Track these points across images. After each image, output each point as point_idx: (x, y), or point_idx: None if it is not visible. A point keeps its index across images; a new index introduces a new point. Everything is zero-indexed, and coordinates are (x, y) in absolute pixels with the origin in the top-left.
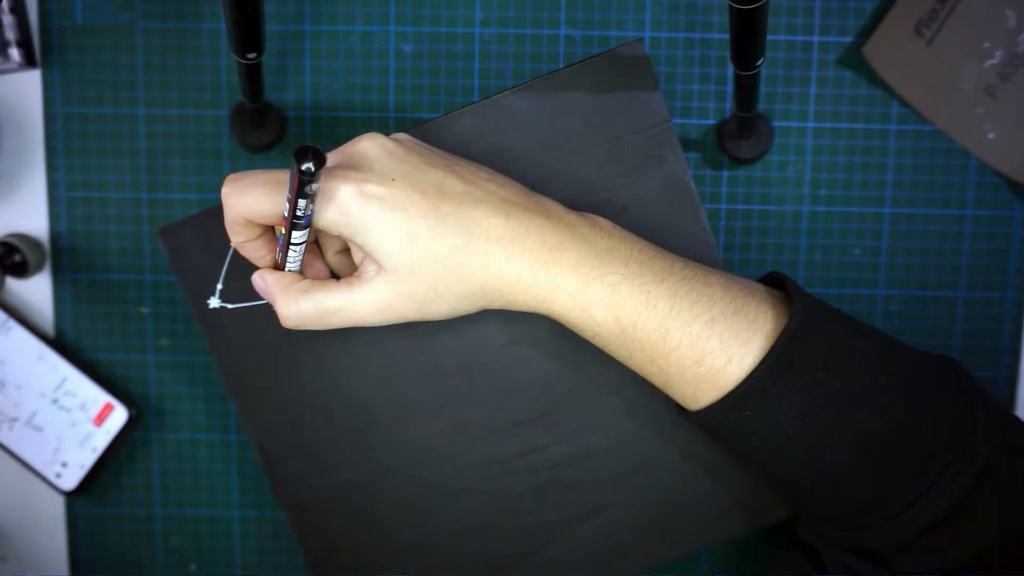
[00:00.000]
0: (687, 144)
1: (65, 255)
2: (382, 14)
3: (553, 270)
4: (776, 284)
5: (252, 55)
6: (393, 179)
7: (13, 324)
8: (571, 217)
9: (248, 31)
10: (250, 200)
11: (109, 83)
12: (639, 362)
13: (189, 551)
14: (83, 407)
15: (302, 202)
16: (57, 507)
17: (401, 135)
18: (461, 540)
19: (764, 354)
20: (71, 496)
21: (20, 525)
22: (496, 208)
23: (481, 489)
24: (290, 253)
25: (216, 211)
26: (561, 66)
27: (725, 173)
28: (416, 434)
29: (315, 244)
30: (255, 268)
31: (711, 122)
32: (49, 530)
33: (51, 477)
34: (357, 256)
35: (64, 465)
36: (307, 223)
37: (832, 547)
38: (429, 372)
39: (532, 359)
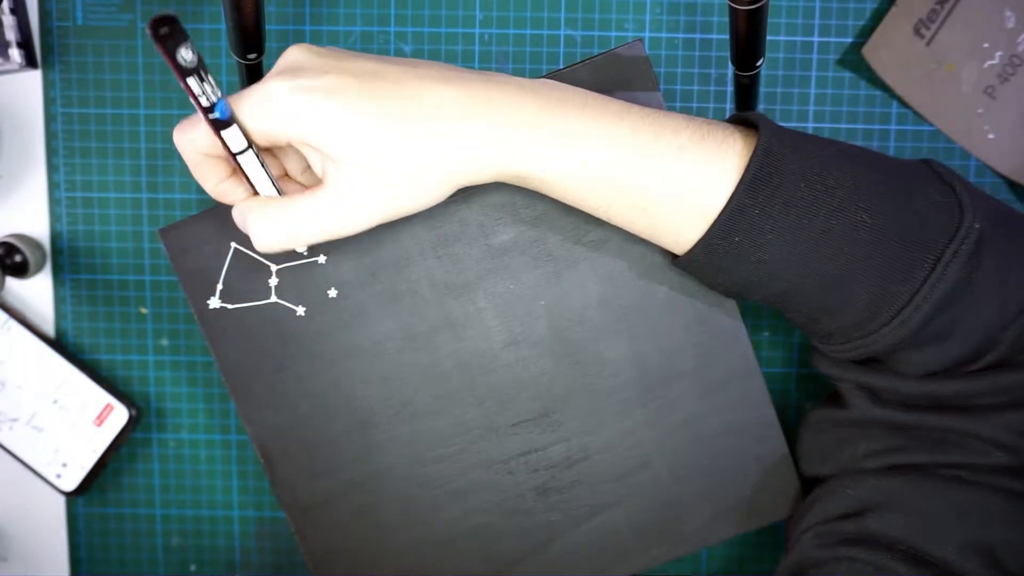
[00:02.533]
0: None
1: (65, 255)
2: (382, 14)
3: (511, 129)
4: (740, 123)
5: (252, 55)
6: (326, 72)
7: (13, 324)
8: (517, 79)
9: (248, 32)
10: (193, 132)
11: (109, 83)
12: (619, 209)
13: (189, 551)
14: (83, 407)
15: (194, 83)
16: (57, 507)
17: (330, 46)
18: (461, 540)
19: (740, 174)
20: (71, 496)
21: (20, 525)
22: (438, 82)
23: (481, 489)
24: (244, 167)
25: (216, 211)
26: (561, 66)
27: None
28: (416, 434)
29: (283, 168)
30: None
31: None
32: (49, 530)
33: (51, 477)
34: (315, 163)
35: (64, 465)
36: (225, 115)
37: (846, 370)
38: (429, 372)
39: (532, 359)
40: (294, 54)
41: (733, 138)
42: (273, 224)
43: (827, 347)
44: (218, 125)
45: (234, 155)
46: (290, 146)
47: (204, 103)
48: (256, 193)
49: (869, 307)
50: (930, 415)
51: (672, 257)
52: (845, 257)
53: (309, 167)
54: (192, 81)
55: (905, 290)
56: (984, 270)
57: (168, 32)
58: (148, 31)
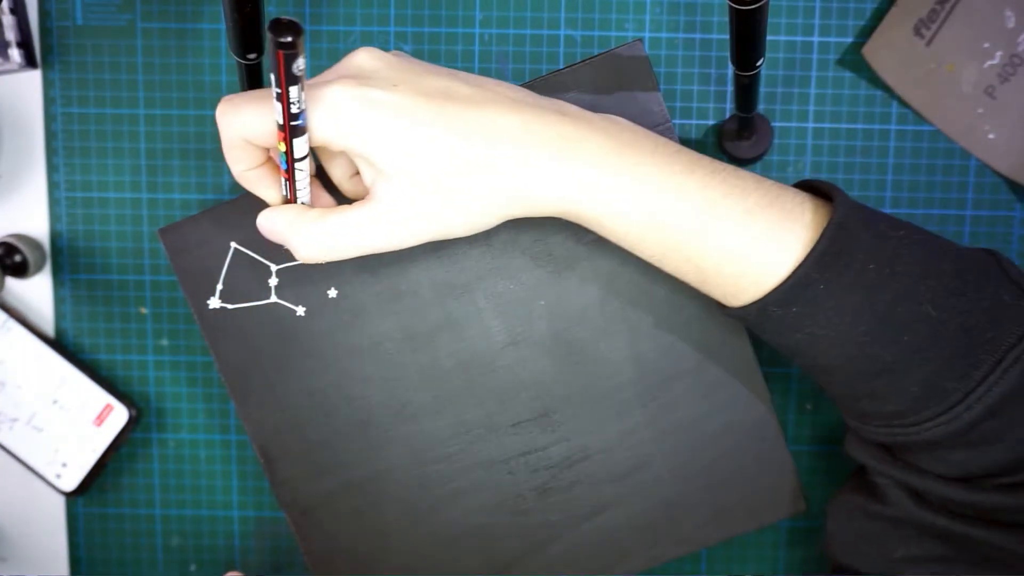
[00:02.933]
0: (687, 144)
1: (65, 255)
2: (382, 14)
3: (576, 165)
4: (808, 190)
5: (252, 55)
6: (396, 85)
7: (13, 324)
8: (588, 114)
9: (248, 31)
10: (246, 114)
11: (109, 83)
12: (673, 260)
13: (189, 551)
14: (83, 407)
15: (294, 90)
16: (57, 507)
17: (397, 51)
18: (461, 540)
19: (809, 246)
20: (71, 496)
21: (20, 525)
22: (508, 107)
23: (481, 489)
24: (297, 174)
25: (216, 211)
26: (561, 66)
27: None
28: (416, 434)
29: (317, 179)
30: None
31: (711, 122)
32: (49, 530)
33: (51, 477)
34: (367, 176)
35: (64, 465)
36: (303, 124)
37: (886, 465)
38: (429, 372)
39: (532, 359)
40: (364, 58)
41: (803, 208)
42: (319, 236)
43: (861, 426)
44: (294, 132)
45: (292, 160)
46: (341, 152)
47: (294, 110)
48: (290, 188)
49: (918, 399)
50: (977, 527)
51: (720, 304)
52: (903, 345)
53: (356, 174)
54: (294, 90)
55: (960, 387)
56: None
57: (291, 42)
58: (270, 34)
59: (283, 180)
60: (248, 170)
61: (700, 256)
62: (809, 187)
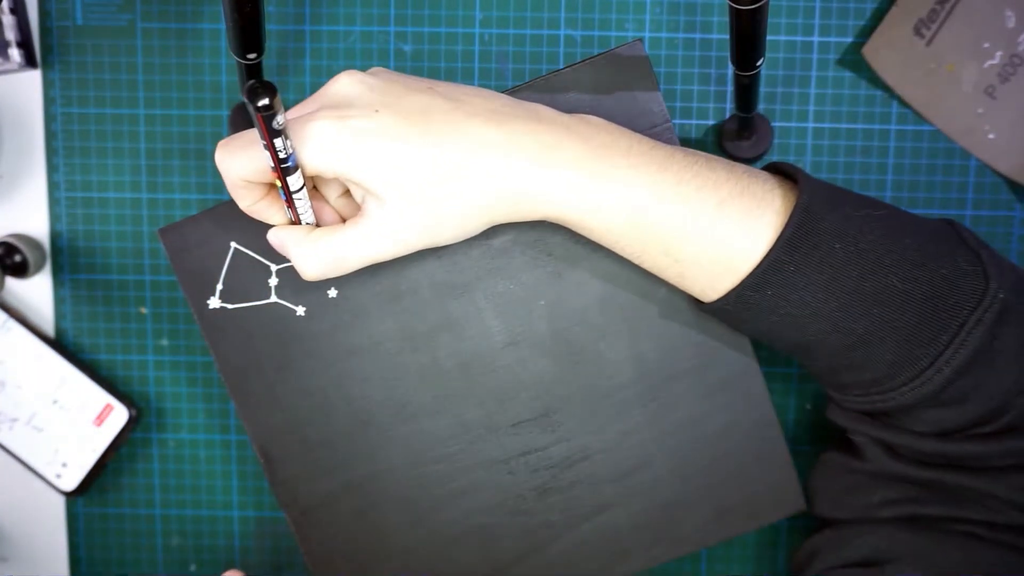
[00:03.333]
0: (687, 144)
1: (65, 255)
2: (382, 14)
3: (555, 171)
4: (776, 173)
5: (252, 55)
6: (377, 111)
7: (13, 324)
8: (563, 118)
9: (248, 31)
10: (241, 160)
11: (109, 83)
12: (652, 255)
13: (189, 551)
14: (83, 407)
15: (278, 141)
16: (57, 507)
17: (377, 69)
18: (461, 540)
19: (779, 231)
20: (71, 496)
21: (20, 525)
22: (486, 119)
23: (481, 489)
24: (296, 203)
25: (216, 211)
26: (561, 66)
27: None
28: (416, 434)
29: (318, 192)
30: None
31: (711, 122)
32: (49, 530)
33: (51, 477)
34: (357, 194)
35: (64, 465)
36: (294, 163)
37: (862, 424)
38: (429, 372)
39: (532, 359)
40: (344, 84)
41: (772, 194)
42: (319, 255)
43: (842, 397)
44: (286, 172)
45: (290, 192)
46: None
47: (282, 155)
48: (293, 213)
49: (892, 366)
50: (948, 472)
51: (697, 302)
52: (873, 317)
53: (346, 193)
54: (279, 140)
55: (928, 352)
56: (1006, 337)
57: (269, 105)
58: (246, 98)
59: (286, 208)
60: (254, 204)
61: (678, 249)
62: (776, 170)
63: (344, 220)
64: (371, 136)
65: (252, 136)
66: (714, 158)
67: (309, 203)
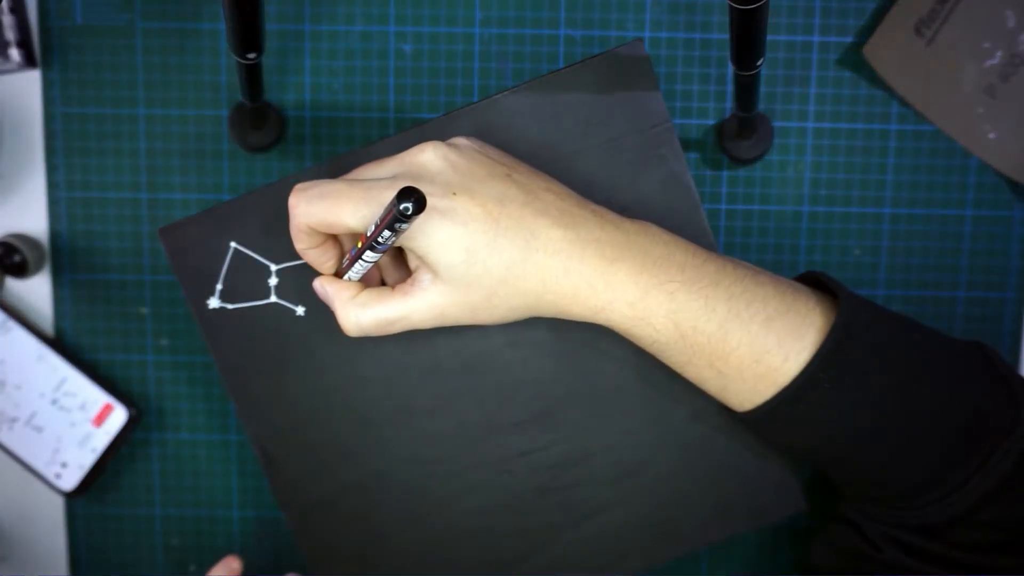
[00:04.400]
0: (687, 144)
1: (65, 255)
2: (382, 14)
3: (611, 281)
4: (813, 283)
5: (252, 55)
6: (455, 193)
7: (13, 324)
8: (626, 225)
9: (248, 31)
10: (317, 211)
11: (109, 83)
12: (697, 367)
13: (189, 551)
14: (83, 407)
15: (387, 233)
16: (57, 507)
17: (461, 141)
18: (461, 540)
19: (817, 348)
20: (71, 496)
21: (20, 525)
22: (555, 220)
23: (481, 489)
24: (357, 266)
25: (216, 211)
26: (561, 66)
27: (725, 173)
28: (416, 434)
29: None
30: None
31: (711, 122)
32: (49, 530)
33: (51, 477)
34: (412, 262)
35: (64, 465)
36: (383, 250)
37: (879, 524)
38: (429, 372)
39: (532, 359)
40: (429, 158)
41: (814, 312)
42: (366, 320)
43: (865, 520)
44: (373, 248)
45: (361, 258)
46: None
47: (381, 241)
48: (346, 269)
49: (919, 486)
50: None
51: (729, 411)
52: (902, 439)
53: (396, 256)
54: (387, 232)
55: (957, 476)
56: None
57: (415, 211)
58: (396, 196)
59: (344, 259)
60: (309, 249)
61: (723, 362)
62: (815, 280)
63: (381, 277)
64: (444, 218)
65: (332, 189)
66: (759, 271)
67: (366, 271)
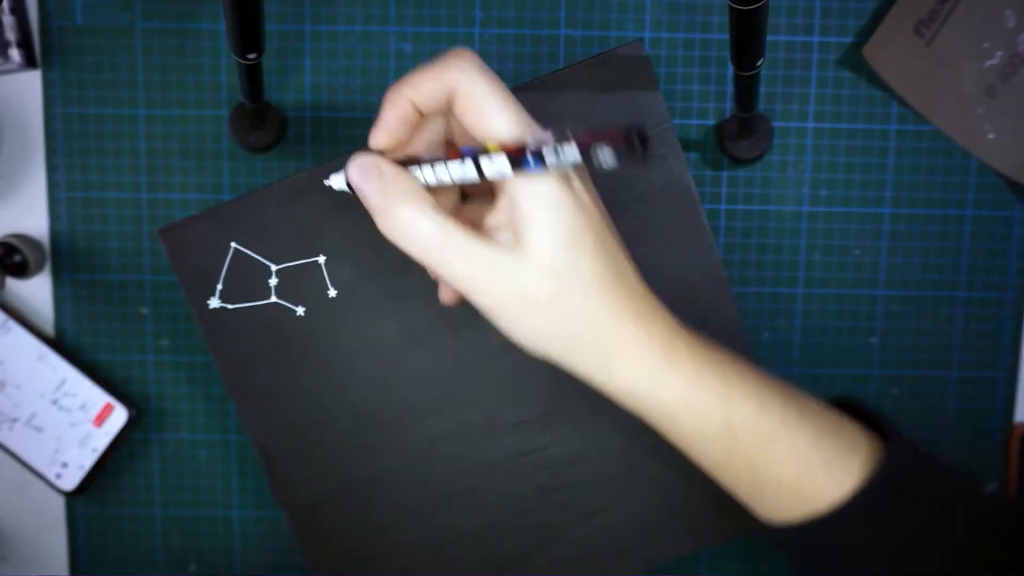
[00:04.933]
0: (687, 144)
1: (65, 255)
2: (382, 14)
3: (671, 354)
4: (848, 404)
5: (252, 55)
6: (588, 187)
7: (13, 324)
8: (684, 335)
9: (248, 31)
10: (482, 86)
11: (109, 83)
12: (736, 468)
13: (189, 551)
14: (83, 407)
15: (532, 161)
16: (57, 507)
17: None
18: (461, 540)
19: (860, 483)
20: (71, 496)
21: (20, 525)
22: (635, 271)
23: (481, 489)
24: (440, 172)
25: (216, 211)
26: (561, 66)
27: (725, 173)
28: (416, 434)
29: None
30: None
31: (711, 122)
32: (49, 530)
33: (51, 477)
34: (498, 216)
35: (64, 465)
36: (496, 175)
37: None
38: (429, 372)
39: (532, 359)
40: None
41: (861, 444)
42: (426, 227)
43: None
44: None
45: (460, 165)
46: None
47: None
48: (421, 171)
49: None
50: None
51: (752, 519)
52: None
53: (480, 199)
54: (533, 160)
55: None
56: None
57: (640, 151)
58: (634, 137)
59: (432, 162)
60: (409, 105)
61: (764, 467)
62: (858, 408)
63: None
64: (576, 200)
65: (505, 88)
66: (804, 392)
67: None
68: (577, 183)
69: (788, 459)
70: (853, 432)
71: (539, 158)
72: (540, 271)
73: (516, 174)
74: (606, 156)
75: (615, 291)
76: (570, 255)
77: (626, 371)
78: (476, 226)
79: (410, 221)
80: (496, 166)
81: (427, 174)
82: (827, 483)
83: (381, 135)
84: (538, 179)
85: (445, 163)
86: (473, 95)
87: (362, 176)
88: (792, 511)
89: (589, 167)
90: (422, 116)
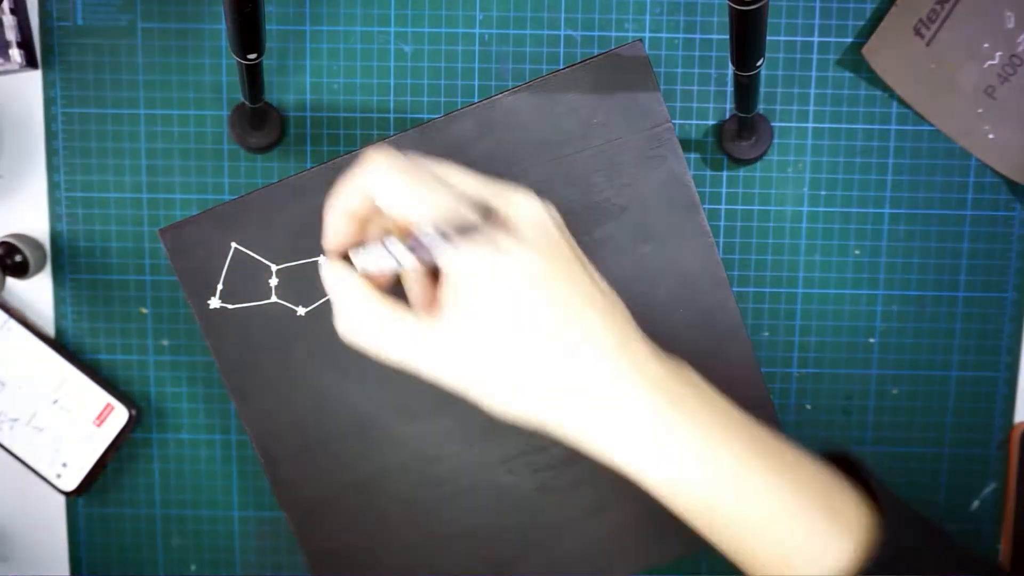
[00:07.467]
0: (687, 144)
1: (65, 255)
2: (382, 14)
3: (641, 425)
4: (842, 460)
5: (252, 55)
6: (537, 251)
7: (13, 324)
8: (667, 362)
9: (248, 31)
10: (394, 187)
11: (109, 83)
12: (722, 548)
13: (189, 551)
14: (83, 407)
15: (438, 244)
16: (57, 507)
17: (551, 206)
18: (461, 540)
19: (852, 560)
20: (71, 496)
21: (20, 525)
22: (608, 327)
23: (481, 489)
24: (382, 265)
25: (216, 211)
26: (561, 66)
27: (725, 173)
28: (416, 434)
29: None
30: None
31: (711, 122)
32: (49, 530)
33: (51, 477)
34: (447, 293)
35: (64, 465)
36: (427, 259)
37: None
38: None
39: None
40: (526, 204)
41: (853, 516)
42: (365, 321)
43: None
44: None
45: (406, 261)
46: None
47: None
48: (365, 263)
49: None
50: None
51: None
52: None
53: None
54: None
55: None
56: None
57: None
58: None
59: (373, 251)
60: (347, 213)
61: (751, 555)
62: (848, 463)
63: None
64: (516, 270)
65: (418, 179)
66: (790, 442)
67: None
68: (519, 250)
69: (773, 552)
70: (844, 500)
71: (422, 244)
72: (471, 343)
73: (414, 258)
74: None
75: (580, 353)
76: (491, 327)
77: (597, 452)
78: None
79: (354, 330)
80: (397, 251)
81: (361, 260)
82: (813, 558)
83: (328, 240)
84: (459, 258)
85: (382, 244)
86: (383, 196)
87: (326, 280)
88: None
89: (431, 260)
90: (366, 212)
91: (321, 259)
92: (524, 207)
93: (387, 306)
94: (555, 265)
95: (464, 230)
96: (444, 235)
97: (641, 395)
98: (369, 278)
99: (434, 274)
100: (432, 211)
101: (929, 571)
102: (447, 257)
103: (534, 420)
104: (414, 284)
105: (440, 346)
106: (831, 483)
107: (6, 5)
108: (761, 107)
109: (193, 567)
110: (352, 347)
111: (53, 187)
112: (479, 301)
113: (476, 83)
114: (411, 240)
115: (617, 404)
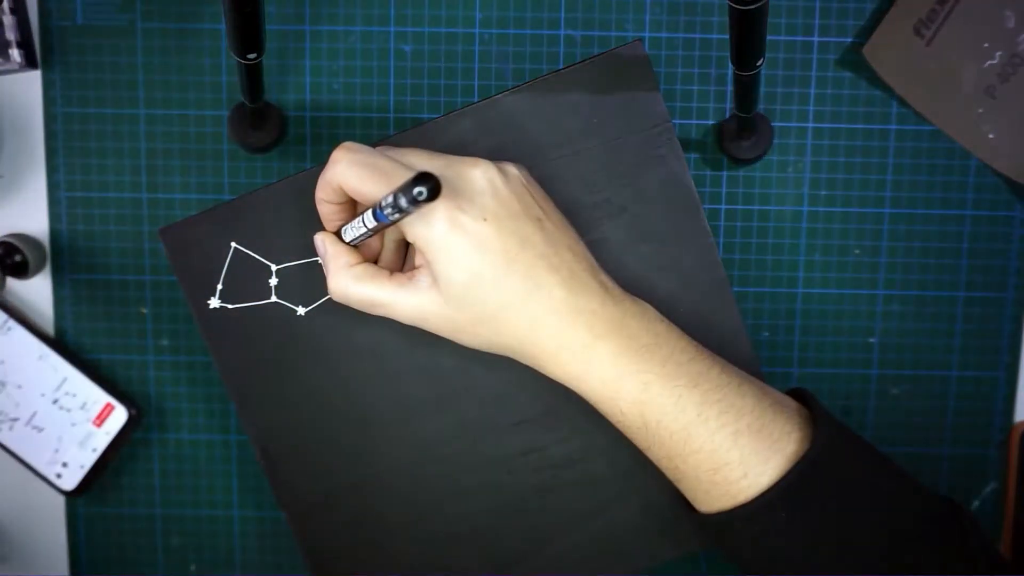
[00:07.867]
0: (687, 144)
1: (65, 255)
2: (382, 14)
3: (591, 356)
4: (802, 398)
5: (252, 55)
6: (485, 219)
7: (13, 324)
8: (626, 304)
9: (248, 31)
10: (353, 175)
11: (109, 83)
12: (656, 455)
13: (189, 551)
14: (83, 407)
15: (393, 212)
16: (57, 507)
17: (512, 169)
18: (461, 540)
19: (780, 476)
20: (71, 496)
21: (20, 525)
22: (563, 280)
23: (481, 489)
24: (358, 233)
25: (216, 211)
26: (561, 66)
27: (725, 173)
28: (416, 434)
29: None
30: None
31: (711, 122)
32: (49, 530)
33: (51, 477)
34: (419, 259)
35: (64, 465)
36: (387, 224)
37: None
38: (429, 372)
39: None
40: (476, 175)
41: (788, 438)
42: (354, 292)
43: None
44: (377, 216)
45: (362, 216)
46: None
47: (385, 215)
48: (349, 235)
49: None
50: None
51: (686, 503)
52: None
53: (402, 243)
54: (392, 211)
55: None
56: None
57: (427, 198)
58: (413, 179)
59: (352, 223)
60: (328, 203)
61: (681, 460)
62: (802, 397)
63: (377, 256)
64: (466, 237)
65: (376, 161)
66: (749, 380)
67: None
68: (469, 221)
69: (703, 455)
70: (783, 429)
71: (383, 211)
72: (453, 304)
73: (380, 221)
74: (404, 201)
75: (528, 309)
76: (468, 291)
77: (555, 373)
78: (411, 267)
79: (343, 288)
80: (368, 222)
81: (351, 229)
82: (743, 476)
83: (327, 226)
84: (427, 229)
85: (361, 220)
86: (347, 185)
87: (318, 251)
88: (713, 502)
89: (403, 212)
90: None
91: (318, 236)
92: (475, 174)
93: (367, 267)
94: (502, 224)
95: (416, 201)
96: (398, 207)
97: (587, 332)
98: (357, 249)
99: (407, 242)
100: (390, 189)
101: (855, 481)
102: (408, 225)
103: (495, 350)
104: (389, 252)
105: (412, 300)
106: (773, 414)
107: (6, 5)
108: (761, 107)
109: (193, 567)
110: (340, 304)
111: (53, 187)
112: (438, 263)
113: (476, 83)
114: (376, 211)
115: (565, 341)
